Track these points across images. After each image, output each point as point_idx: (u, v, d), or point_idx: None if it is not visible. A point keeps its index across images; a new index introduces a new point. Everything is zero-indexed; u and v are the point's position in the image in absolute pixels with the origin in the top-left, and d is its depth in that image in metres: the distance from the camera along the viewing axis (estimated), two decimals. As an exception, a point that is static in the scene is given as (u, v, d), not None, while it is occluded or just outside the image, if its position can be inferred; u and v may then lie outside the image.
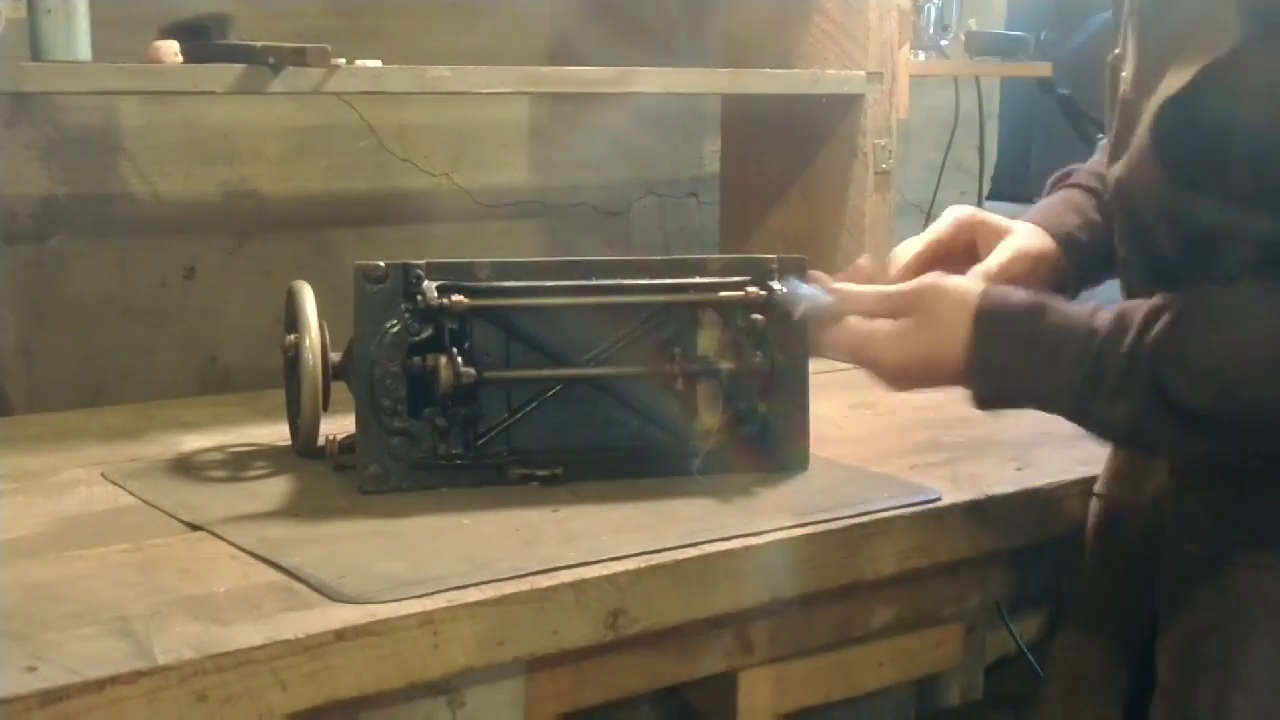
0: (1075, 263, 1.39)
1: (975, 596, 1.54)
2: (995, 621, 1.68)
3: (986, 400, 1.21)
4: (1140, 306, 1.12)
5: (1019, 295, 1.19)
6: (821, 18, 2.07)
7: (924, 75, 2.37)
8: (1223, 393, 1.08)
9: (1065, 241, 1.40)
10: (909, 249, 1.42)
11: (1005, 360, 1.17)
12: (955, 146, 2.62)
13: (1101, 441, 1.27)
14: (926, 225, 2.63)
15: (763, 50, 2.14)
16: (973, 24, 2.41)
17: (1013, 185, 3.13)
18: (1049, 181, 1.51)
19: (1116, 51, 1.26)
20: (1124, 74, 1.22)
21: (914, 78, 2.19)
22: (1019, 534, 1.45)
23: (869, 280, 1.33)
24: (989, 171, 2.79)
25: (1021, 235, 1.40)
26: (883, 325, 1.24)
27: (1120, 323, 1.13)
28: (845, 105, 2.05)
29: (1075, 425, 1.18)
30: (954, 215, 1.44)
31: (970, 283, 1.23)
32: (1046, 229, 1.40)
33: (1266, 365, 1.08)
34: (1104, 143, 1.39)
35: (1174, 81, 1.09)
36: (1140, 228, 1.20)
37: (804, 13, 2.09)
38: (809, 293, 1.34)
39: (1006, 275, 1.33)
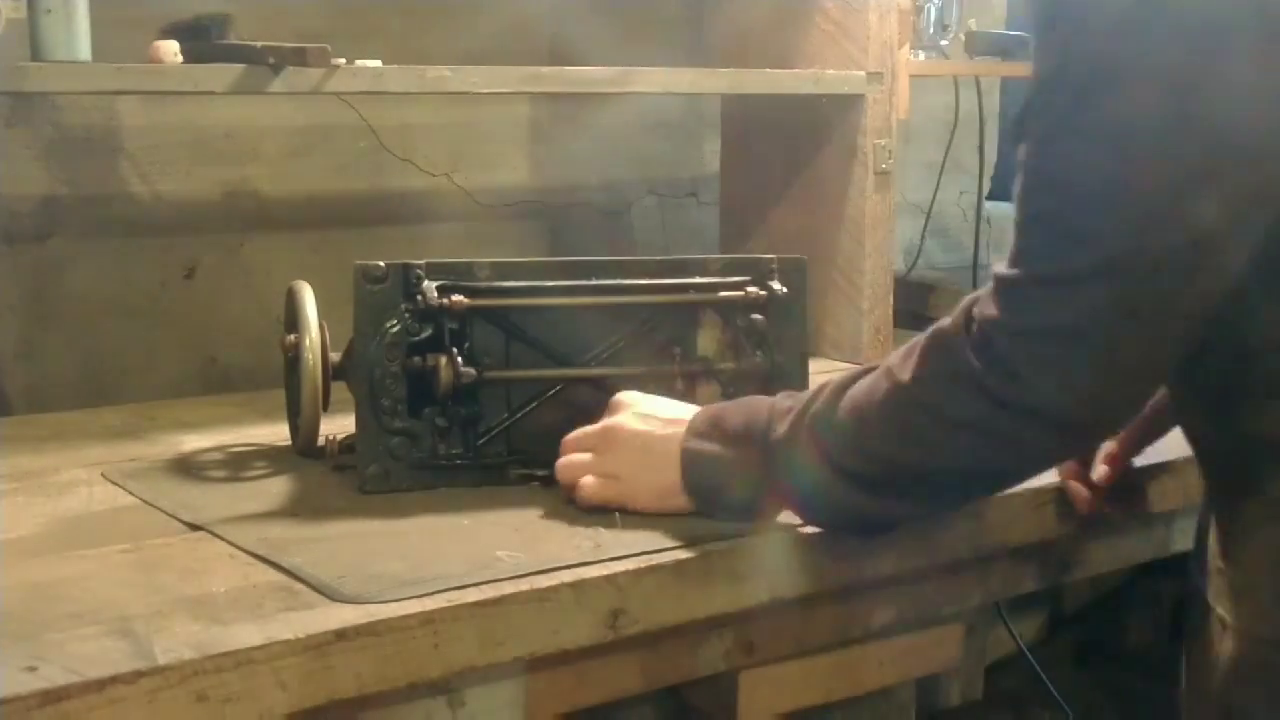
0: None
1: (975, 596, 1.54)
2: (995, 621, 1.68)
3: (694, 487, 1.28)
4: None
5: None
6: (821, 18, 2.07)
7: (924, 75, 2.36)
8: (858, 448, 1.16)
9: None
10: None
11: (710, 451, 1.26)
12: (955, 146, 2.62)
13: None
14: (927, 225, 2.67)
15: (763, 50, 2.14)
16: (973, 24, 2.41)
17: (1013, 185, 3.13)
18: None
19: None
20: None
21: (914, 78, 2.18)
22: (1019, 534, 1.45)
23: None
24: (989, 171, 2.79)
25: None
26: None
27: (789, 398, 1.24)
28: (845, 105, 2.05)
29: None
30: None
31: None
32: None
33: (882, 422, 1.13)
34: None
35: None
36: None
37: (804, 13, 2.09)
38: None
39: None
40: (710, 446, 1.26)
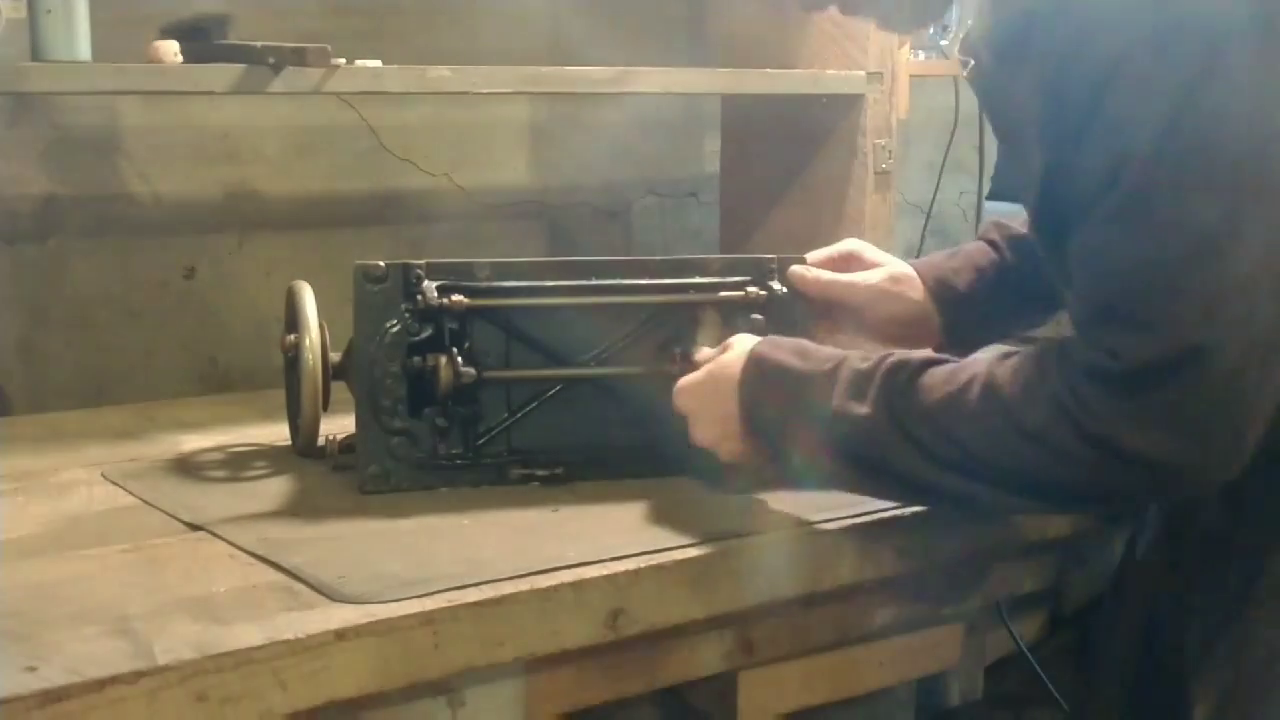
0: (948, 307, 1.49)
1: (975, 596, 1.54)
2: (995, 621, 1.68)
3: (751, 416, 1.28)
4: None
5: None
6: (821, 18, 2.07)
7: (924, 75, 2.37)
8: (940, 430, 1.13)
9: (936, 286, 1.49)
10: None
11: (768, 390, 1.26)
12: (955, 146, 2.61)
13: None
14: (927, 226, 2.67)
15: (763, 50, 2.14)
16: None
17: (1013, 185, 3.12)
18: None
19: None
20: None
21: (914, 78, 2.18)
22: (1018, 534, 1.45)
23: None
24: (989, 171, 2.78)
25: (886, 270, 1.50)
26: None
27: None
28: (845, 105, 2.05)
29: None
30: (840, 247, 1.54)
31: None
32: (919, 272, 1.49)
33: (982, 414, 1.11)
34: None
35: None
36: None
37: (804, 13, 2.09)
38: None
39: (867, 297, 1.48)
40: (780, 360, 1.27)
